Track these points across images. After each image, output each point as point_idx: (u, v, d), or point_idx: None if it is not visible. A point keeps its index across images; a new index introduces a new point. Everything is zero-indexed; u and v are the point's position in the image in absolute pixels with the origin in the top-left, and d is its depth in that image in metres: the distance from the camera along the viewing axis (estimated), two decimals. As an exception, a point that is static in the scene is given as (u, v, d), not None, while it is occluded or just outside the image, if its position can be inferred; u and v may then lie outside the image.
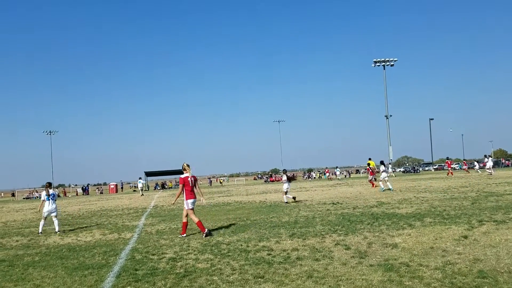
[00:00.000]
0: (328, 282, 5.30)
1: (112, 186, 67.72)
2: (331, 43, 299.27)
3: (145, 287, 5.56)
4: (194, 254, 7.55)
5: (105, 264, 7.15)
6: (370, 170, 26.39)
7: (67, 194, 67.32)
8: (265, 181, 68.55)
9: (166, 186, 71.68)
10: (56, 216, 12.58)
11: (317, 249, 7.37)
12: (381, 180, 21.86)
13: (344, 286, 5.13)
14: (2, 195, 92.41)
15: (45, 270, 6.94)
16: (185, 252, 7.79)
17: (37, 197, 63.17)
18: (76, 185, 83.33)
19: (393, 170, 60.42)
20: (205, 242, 8.74)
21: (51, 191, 12.56)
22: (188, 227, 10.09)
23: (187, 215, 9.89)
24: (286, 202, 17.54)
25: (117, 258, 7.67)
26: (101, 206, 24.54)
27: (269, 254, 7.14)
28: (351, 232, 8.90)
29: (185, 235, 9.82)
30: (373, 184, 25.47)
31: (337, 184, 35.87)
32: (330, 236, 8.61)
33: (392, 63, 62.35)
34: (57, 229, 12.37)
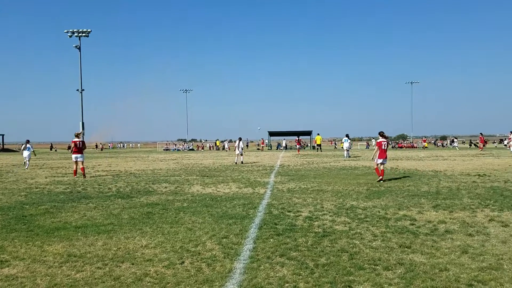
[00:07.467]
0: (488, 260, 4.76)
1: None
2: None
3: (287, 241, 5.68)
4: (330, 216, 7.48)
5: (246, 216, 7.54)
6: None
7: (204, 148, 73.45)
8: (392, 146, 65.26)
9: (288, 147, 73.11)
10: (29, 160, 21.64)
11: (468, 223, 6.68)
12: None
13: (507, 266, 4.57)
14: (139, 146, 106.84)
15: (194, 216, 7.60)
16: (320, 213, 7.77)
17: (175, 149, 70.31)
18: (206, 140, 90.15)
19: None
20: (339, 205, 8.62)
21: (28, 145, 21.77)
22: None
23: (81, 163, 15.97)
24: (235, 163, 23.48)
25: (256, 211, 8.02)
26: (232, 161, 26.13)
27: (412, 224, 6.70)
28: (507, 208, 7.90)
29: (76, 176, 15.75)
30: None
31: (480, 154, 32.33)
32: (481, 210, 7.74)
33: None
34: (27, 167, 20.87)
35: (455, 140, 59.91)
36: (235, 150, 24.61)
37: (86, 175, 16.08)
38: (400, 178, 14.01)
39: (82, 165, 16.03)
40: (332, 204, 8.72)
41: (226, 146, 60.69)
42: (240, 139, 24.46)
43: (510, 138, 36.95)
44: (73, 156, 16.02)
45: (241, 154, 23.84)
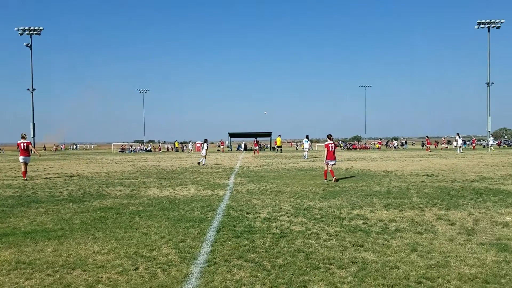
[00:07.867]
0: (436, 258, 5.00)
1: (198, 145, 70.96)
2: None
3: (245, 243, 5.71)
4: (288, 216, 7.59)
5: (204, 218, 7.49)
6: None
7: (161, 150, 71.80)
8: (347, 148, 67.17)
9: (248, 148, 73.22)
10: None
11: (417, 222, 6.99)
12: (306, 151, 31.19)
13: (454, 263, 4.81)
14: (92, 147, 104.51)
15: (150, 220, 7.46)
16: (278, 214, 7.87)
17: (131, 150, 68.62)
18: (164, 141, 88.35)
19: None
20: (296, 206, 8.77)
21: None
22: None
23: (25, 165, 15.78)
24: (198, 163, 23.97)
25: (215, 213, 8.00)
26: (192, 163, 25.87)
27: (364, 223, 6.93)
28: (453, 207, 8.32)
29: (25, 178, 15.34)
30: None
31: (429, 155, 33.91)
32: (429, 209, 8.13)
33: (498, 25, 56.22)
34: None
35: (395, 141, 62.88)
36: (201, 151, 24.45)
37: (34, 178, 15.58)
38: (354, 178, 14.43)
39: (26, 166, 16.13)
40: (290, 205, 8.85)
41: (189, 147, 59.75)
42: (205, 140, 24.37)
43: (454, 140, 39.82)
44: (21, 158, 16.00)
45: (205, 156, 23.73)
